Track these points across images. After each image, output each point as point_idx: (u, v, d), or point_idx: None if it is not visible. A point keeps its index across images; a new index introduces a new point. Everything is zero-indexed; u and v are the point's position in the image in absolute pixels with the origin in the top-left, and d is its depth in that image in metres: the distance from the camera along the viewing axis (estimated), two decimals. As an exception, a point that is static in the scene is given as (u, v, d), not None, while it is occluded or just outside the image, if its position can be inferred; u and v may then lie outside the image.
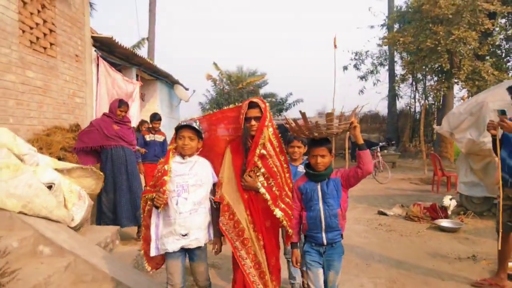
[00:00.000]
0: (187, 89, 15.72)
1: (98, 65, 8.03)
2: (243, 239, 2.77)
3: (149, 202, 2.84)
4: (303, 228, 2.85)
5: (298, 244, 2.91)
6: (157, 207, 2.73)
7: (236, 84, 19.65)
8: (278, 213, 2.74)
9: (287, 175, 2.95)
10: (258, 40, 68.12)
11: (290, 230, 2.79)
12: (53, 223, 3.56)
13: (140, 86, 10.78)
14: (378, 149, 13.10)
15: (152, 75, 12.32)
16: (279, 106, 21.70)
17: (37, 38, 5.92)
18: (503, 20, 14.26)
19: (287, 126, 2.87)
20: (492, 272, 4.29)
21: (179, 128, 2.86)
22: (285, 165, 2.94)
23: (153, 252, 2.85)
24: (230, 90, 19.17)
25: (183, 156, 2.87)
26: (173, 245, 2.78)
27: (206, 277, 2.97)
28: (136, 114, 10.50)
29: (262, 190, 2.73)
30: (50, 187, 3.67)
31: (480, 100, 6.74)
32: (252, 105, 2.87)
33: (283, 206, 2.80)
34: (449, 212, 6.76)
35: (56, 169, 4.05)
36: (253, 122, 2.83)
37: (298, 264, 2.89)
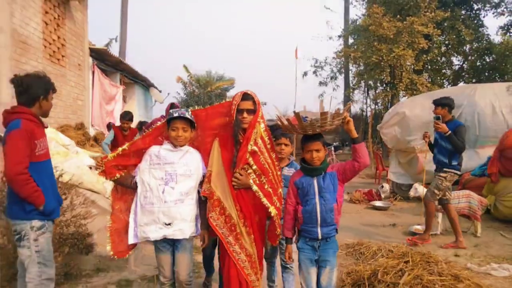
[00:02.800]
0: (160, 91, 17.04)
1: (93, 72, 9.32)
2: (236, 234, 2.71)
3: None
4: (298, 222, 2.79)
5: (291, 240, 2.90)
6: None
7: (205, 87, 21.06)
8: (273, 211, 2.71)
9: (278, 173, 2.88)
10: (226, 46, 69.68)
11: (278, 230, 2.79)
12: (95, 194, 4.98)
13: (123, 89, 12.08)
14: (332, 149, 14.97)
15: (131, 79, 13.59)
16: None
17: (54, 51, 7.20)
18: (442, 37, 16.62)
19: (279, 124, 2.80)
20: (404, 233, 6.07)
21: (171, 119, 2.78)
22: (276, 163, 2.88)
23: (131, 240, 2.81)
24: (200, 93, 20.56)
25: (174, 145, 2.81)
26: (155, 233, 2.72)
27: (188, 272, 2.84)
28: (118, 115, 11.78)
29: (255, 187, 2.68)
30: (90, 168, 5.08)
31: (404, 103, 8.71)
32: (246, 97, 2.77)
33: (278, 205, 2.77)
34: (383, 196, 8.61)
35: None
36: (246, 115, 2.73)
37: (291, 259, 2.89)
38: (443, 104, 5.23)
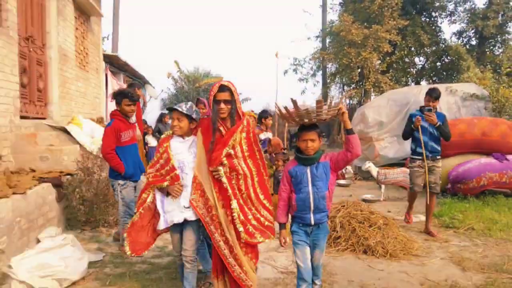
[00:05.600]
0: (154, 88, 18.70)
1: (106, 74, 11.04)
2: (211, 215, 2.93)
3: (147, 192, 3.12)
4: (292, 209, 2.90)
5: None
6: (168, 195, 3.02)
7: (193, 84, 22.70)
8: (233, 203, 2.89)
9: (256, 179, 3.02)
10: (213, 43, 71.16)
11: (239, 225, 2.89)
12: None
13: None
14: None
15: (131, 77, 15.27)
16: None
17: (81, 60, 8.91)
18: (404, 41, 18.73)
19: (278, 113, 2.91)
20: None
21: (169, 111, 3.18)
22: (253, 169, 3.02)
23: (162, 225, 3.07)
24: (189, 89, 22.22)
25: (182, 136, 3.12)
26: (178, 217, 3.03)
27: (192, 249, 3.11)
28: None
29: (224, 179, 2.89)
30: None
31: (366, 105, 10.71)
32: (222, 88, 2.89)
33: (242, 202, 2.93)
34: (346, 176, 10.64)
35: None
36: (222, 105, 2.88)
37: (286, 244, 2.96)
38: (438, 96, 5.39)
